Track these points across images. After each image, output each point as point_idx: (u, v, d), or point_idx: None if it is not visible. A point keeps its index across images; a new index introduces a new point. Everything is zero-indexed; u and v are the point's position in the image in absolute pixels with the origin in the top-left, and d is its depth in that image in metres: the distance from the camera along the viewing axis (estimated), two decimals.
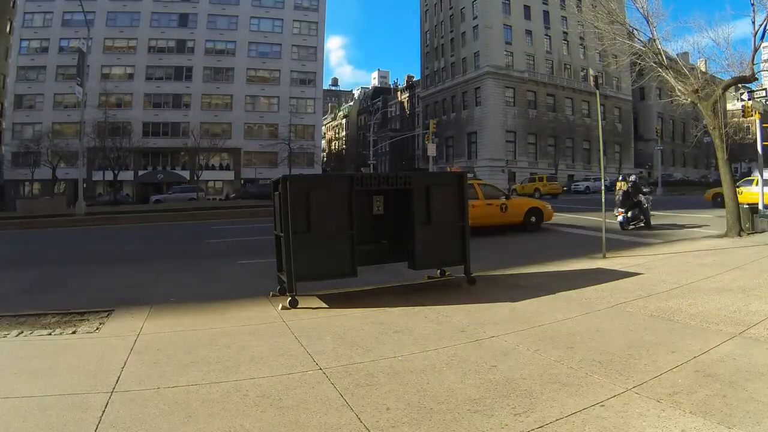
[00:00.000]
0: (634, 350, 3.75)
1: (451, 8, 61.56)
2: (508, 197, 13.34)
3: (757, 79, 12.39)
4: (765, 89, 13.59)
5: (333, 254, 5.62)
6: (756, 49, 10.69)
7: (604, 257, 8.21)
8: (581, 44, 57.72)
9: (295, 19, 54.63)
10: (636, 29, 12.36)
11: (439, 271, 6.87)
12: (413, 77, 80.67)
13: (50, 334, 4.65)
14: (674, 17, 74.01)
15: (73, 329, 4.78)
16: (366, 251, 5.98)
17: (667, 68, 11.76)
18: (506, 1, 55.87)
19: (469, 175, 7.88)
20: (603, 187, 9.48)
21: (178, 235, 15.58)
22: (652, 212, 13.40)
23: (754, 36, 10.57)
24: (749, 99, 13.33)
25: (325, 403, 2.99)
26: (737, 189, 11.96)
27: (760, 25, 10.46)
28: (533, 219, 13.15)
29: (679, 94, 11.73)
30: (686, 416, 2.67)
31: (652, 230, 12.59)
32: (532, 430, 2.61)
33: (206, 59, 51.61)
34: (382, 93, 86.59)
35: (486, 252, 9.45)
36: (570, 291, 5.84)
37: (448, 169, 32.99)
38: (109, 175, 42.18)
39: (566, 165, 56.23)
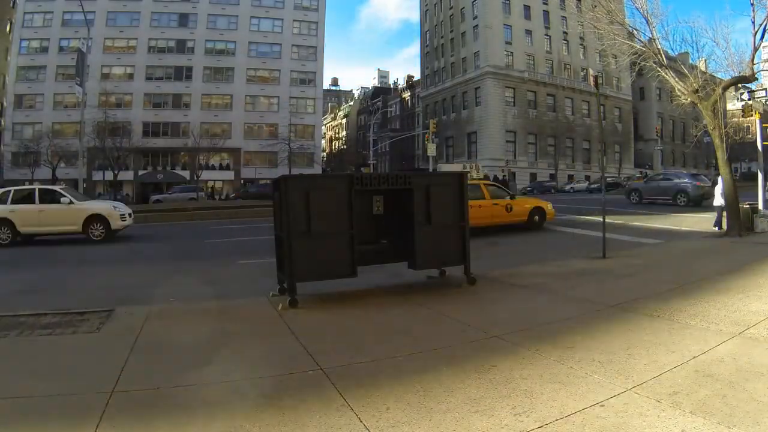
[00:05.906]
0: (634, 350, 3.75)
1: (451, 8, 61.52)
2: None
3: (757, 79, 12.38)
4: (765, 89, 13.59)
5: (333, 254, 5.61)
6: (756, 49, 10.68)
7: (604, 257, 8.21)
8: (581, 44, 57.74)
9: (295, 19, 54.57)
10: (636, 29, 12.36)
11: (439, 271, 6.87)
12: (413, 77, 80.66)
13: (50, 334, 4.65)
14: (674, 17, 74.00)
15: (73, 329, 4.78)
16: (366, 251, 5.97)
17: (666, 68, 11.76)
18: (506, 1, 55.83)
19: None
20: (604, 188, 9.49)
21: (178, 235, 15.58)
22: (649, 213, 13.36)
23: (754, 36, 10.57)
24: (749, 99, 13.32)
25: (325, 403, 2.99)
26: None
27: (760, 25, 10.47)
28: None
29: (678, 94, 11.73)
30: (686, 416, 2.67)
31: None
32: (532, 430, 2.61)
33: (206, 59, 51.55)
34: (382, 93, 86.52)
35: (486, 252, 9.46)
36: (570, 291, 5.84)
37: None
38: (109, 175, 42.14)
39: (566, 165, 56.20)
